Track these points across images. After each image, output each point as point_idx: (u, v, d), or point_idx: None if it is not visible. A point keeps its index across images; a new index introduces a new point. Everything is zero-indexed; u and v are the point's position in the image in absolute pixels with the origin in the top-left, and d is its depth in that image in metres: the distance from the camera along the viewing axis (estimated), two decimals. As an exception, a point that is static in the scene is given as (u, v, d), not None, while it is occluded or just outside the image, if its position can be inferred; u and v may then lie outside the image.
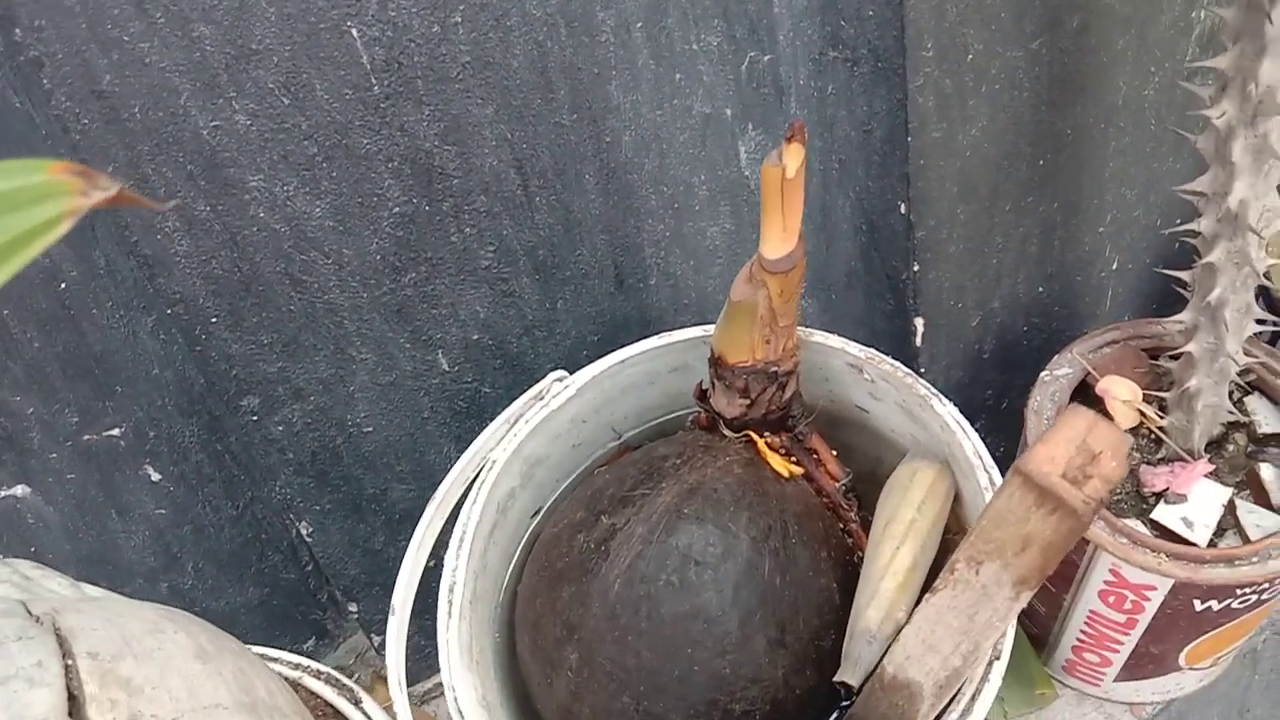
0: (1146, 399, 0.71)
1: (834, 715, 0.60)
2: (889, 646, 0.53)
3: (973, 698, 0.51)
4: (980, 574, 0.42)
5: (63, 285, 0.61)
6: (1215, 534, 0.66)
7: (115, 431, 0.68)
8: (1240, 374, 0.69)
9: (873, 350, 0.64)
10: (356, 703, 0.57)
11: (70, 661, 0.42)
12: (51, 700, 0.39)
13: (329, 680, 0.59)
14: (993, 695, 0.51)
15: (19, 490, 0.67)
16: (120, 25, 0.50)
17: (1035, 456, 0.39)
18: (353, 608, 0.80)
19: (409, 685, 0.87)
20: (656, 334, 0.67)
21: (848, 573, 0.62)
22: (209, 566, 0.78)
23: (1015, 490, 0.39)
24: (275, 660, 0.60)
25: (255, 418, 0.66)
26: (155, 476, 0.71)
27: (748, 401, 0.62)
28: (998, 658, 0.51)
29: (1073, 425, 0.39)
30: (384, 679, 0.84)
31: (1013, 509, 0.39)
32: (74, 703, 0.40)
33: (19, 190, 0.21)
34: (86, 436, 0.67)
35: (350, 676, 0.91)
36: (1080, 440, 0.39)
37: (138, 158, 0.54)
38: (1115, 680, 0.76)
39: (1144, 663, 0.72)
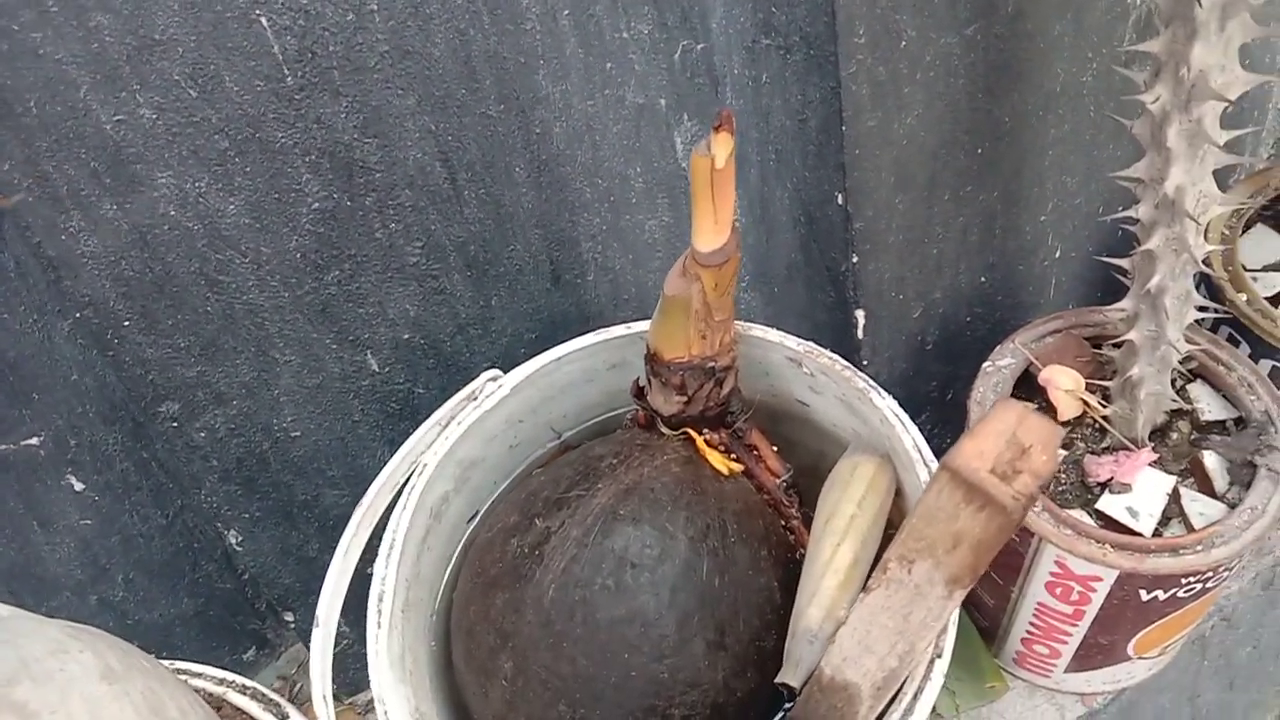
0: (1090, 388, 0.70)
1: (777, 718, 0.59)
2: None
3: (914, 697, 0.50)
4: (913, 573, 0.41)
5: (-31, 289, 0.58)
6: (1160, 523, 0.66)
7: (34, 440, 0.65)
8: (1183, 361, 0.69)
9: (812, 344, 0.63)
10: (284, 718, 0.55)
11: (-41, 688, 0.39)
12: (-66, 731, 0.37)
13: (255, 695, 0.57)
14: (934, 695, 0.50)
15: (-68, 503, 0.64)
16: (9, 14, 0.47)
17: (963, 452, 0.37)
18: (289, 617, 0.78)
19: (354, 695, 0.86)
20: (594, 330, 0.66)
21: (789, 571, 0.60)
22: (140, 577, 0.75)
23: (944, 487, 0.38)
24: (199, 676, 0.58)
25: (176, 424, 0.63)
26: (79, 486, 0.69)
27: (685, 398, 0.60)
28: (939, 656, 0.50)
29: (1002, 418, 0.38)
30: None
31: (942, 506, 0.38)
32: (-39, 732, 0.38)
33: None
34: (3, 446, 0.64)
35: (294, 686, 0.89)
36: (1010, 434, 0.38)
37: (36, 154, 0.51)
38: (1065, 671, 0.75)
39: (1093, 653, 0.72)
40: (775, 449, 0.65)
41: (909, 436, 0.58)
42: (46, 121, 0.51)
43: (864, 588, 0.44)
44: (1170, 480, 0.67)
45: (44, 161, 0.52)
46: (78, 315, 0.59)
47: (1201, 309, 0.64)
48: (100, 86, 0.51)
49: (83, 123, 0.51)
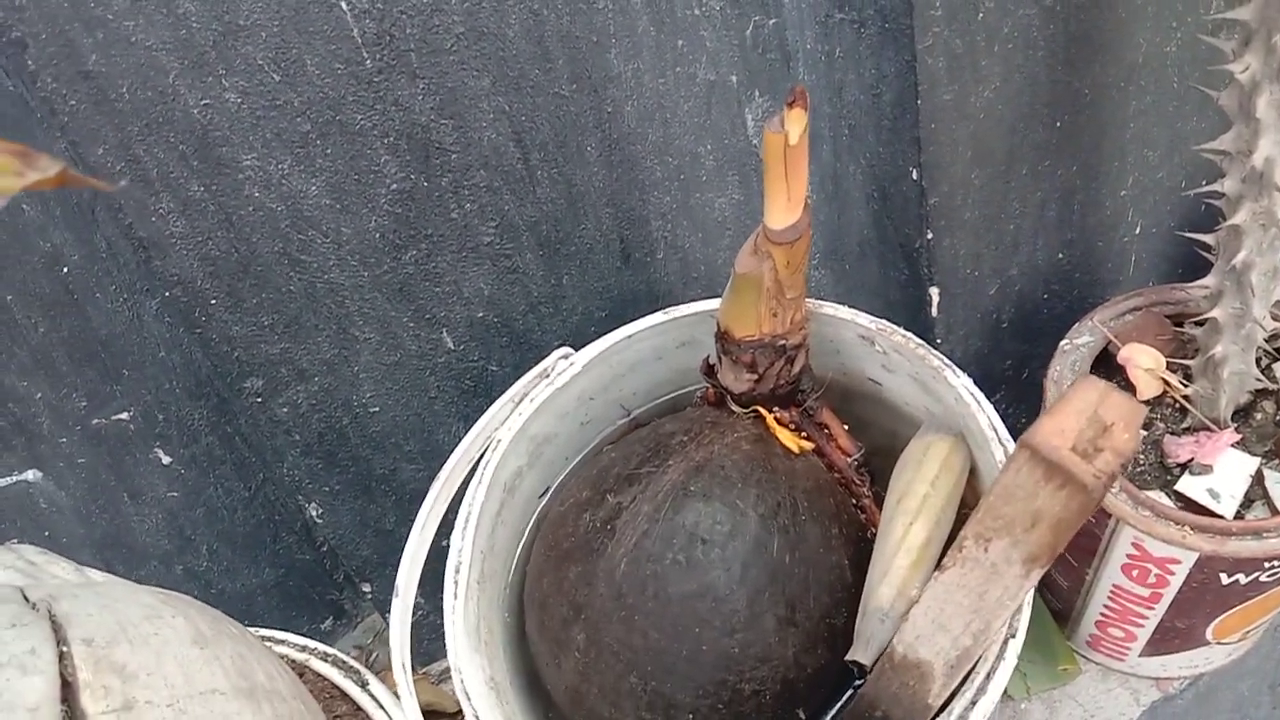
0: (1170, 367, 0.68)
1: (846, 694, 0.59)
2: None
3: (988, 676, 0.49)
4: (989, 551, 0.41)
5: (65, 270, 0.60)
6: (1242, 505, 0.64)
7: (124, 415, 0.68)
8: (1268, 339, 0.67)
9: (885, 321, 0.62)
10: (363, 685, 0.57)
11: (65, 648, 0.41)
12: (44, 688, 0.39)
13: (335, 663, 0.58)
14: (1008, 674, 0.50)
15: (30, 475, 0.67)
16: (103, 3, 0.49)
17: (1043, 429, 0.37)
18: (366, 588, 0.80)
19: (428, 665, 0.88)
20: (664, 309, 0.66)
21: (860, 550, 0.60)
22: (224, 548, 0.78)
23: (1023, 465, 0.37)
24: (282, 643, 0.60)
25: (260, 399, 0.65)
26: (166, 459, 0.71)
27: (755, 376, 0.60)
28: (1013, 636, 0.50)
29: (1083, 396, 0.38)
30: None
31: (1020, 484, 0.38)
32: (68, 689, 0.40)
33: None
34: (95, 420, 0.67)
35: (369, 656, 0.92)
36: (1091, 411, 0.37)
37: (128, 138, 0.53)
38: (1141, 655, 0.74)
39: (1170, 637, 0.71)
40: (846, 427, 0.64)
41: (984, 415, 0.58)
42: (138, 106, 0.52)
43: (938, 565, 0.43)
44: (1254, 461, 0.65)
45: (135, 145, 0.53)
46: (166, 294, 0.61)
47: (1290, 286, 0.62)
48: (188, 72, 0.52)
49: (172, 107, 0.53)
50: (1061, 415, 0.37)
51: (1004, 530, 0.39)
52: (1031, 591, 0.50)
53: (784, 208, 0.55)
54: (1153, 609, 0.68)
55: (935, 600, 0.44)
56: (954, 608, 0.43)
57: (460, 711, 0.54)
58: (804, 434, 0.63)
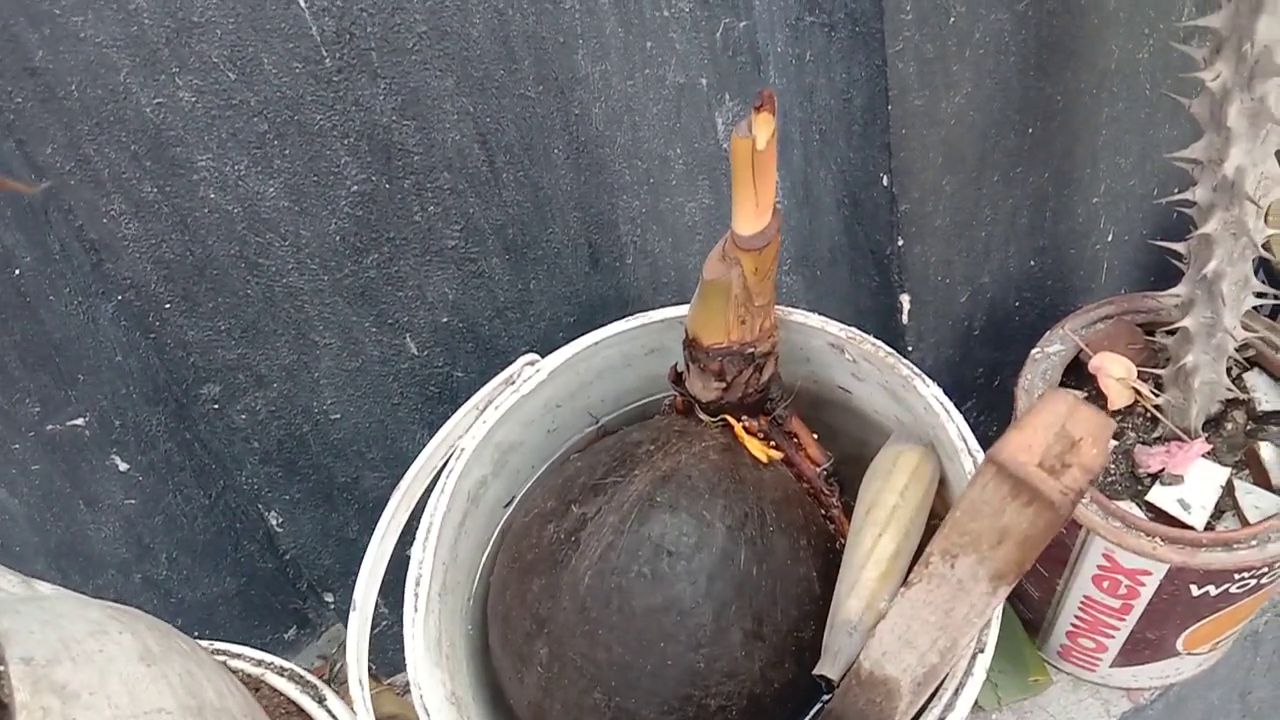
0: (1142, 376, 0.68)
1: (814, 709, 0.58)
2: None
3: (955, 692, 0.49)
4: (956, 568, 0.40)
5: (17, 272, 0.59)
6: (1213, 516, 0.64)
7: (79, 421, 0.66)
8: (1239, 349, 0.67)
9: (854, 329, 0.62)
10: (320, 700, 0.56)
11: (2, 667, 0.40)
12: (-24, 710, 0.37)
13: (292, 677, 0.57)
14: (976, 690, 0.49)
15: (-18, 482, 0.65)
16: (50, -2, 0.47)
17: (1010, 444, 0.36)
18: (329, 598, 0.79)
19: (393, 675, 0.86)
20: (633, 315, 0.65)
21: (829, 561, 0.59)
22: (184, 557, 0.76)
23: (989, 481, 0.36)
24: (238, 657, 0.58)
25: (217, 406, 0.64)
26: (123, 466, 0.69)
27: (724, 385, 0.59)
28: (981, 650, 0.49)
29: (1052, 410, 0.37)
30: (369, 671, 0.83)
31: (987, 500, 0.37)
32: (3, 711, 0.38)
33: None
34: (50, 426, 0.65)
35: (334, 665, 0.90)
36: (1059, 426, 0.37)
37: (77, 138, 0.51)
38: (1111, 666, 0.74)
39: (1140, 648, 0.70)
40: (816, 437, 0.64)
41: (953, 425, 0.57)
42: (88, 105, 0.51)
43: (905, 581, 0.43)
44: (1224, 472, 0.65)
45: (85, 145, 0.52)
46: (120, 298, 0.59)
47: (1260, 295, 0.62)
48: (140, 69, 0.51)
49: (123, 106, 0.52)
50: (1029, 430, 0.36)
51: (970, 546, 0.38)
52: (1000, 606, 0.49)
53: (752, 213, 0.54)
54: (1123, 620, 0.67)
55: (902, 617, 0.43)
56: (920, 624, 0.43)
57: (424, 725, 0.53)
58: (773, 443, 0.62)
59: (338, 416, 0.68)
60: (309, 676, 0.57)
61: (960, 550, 0.39)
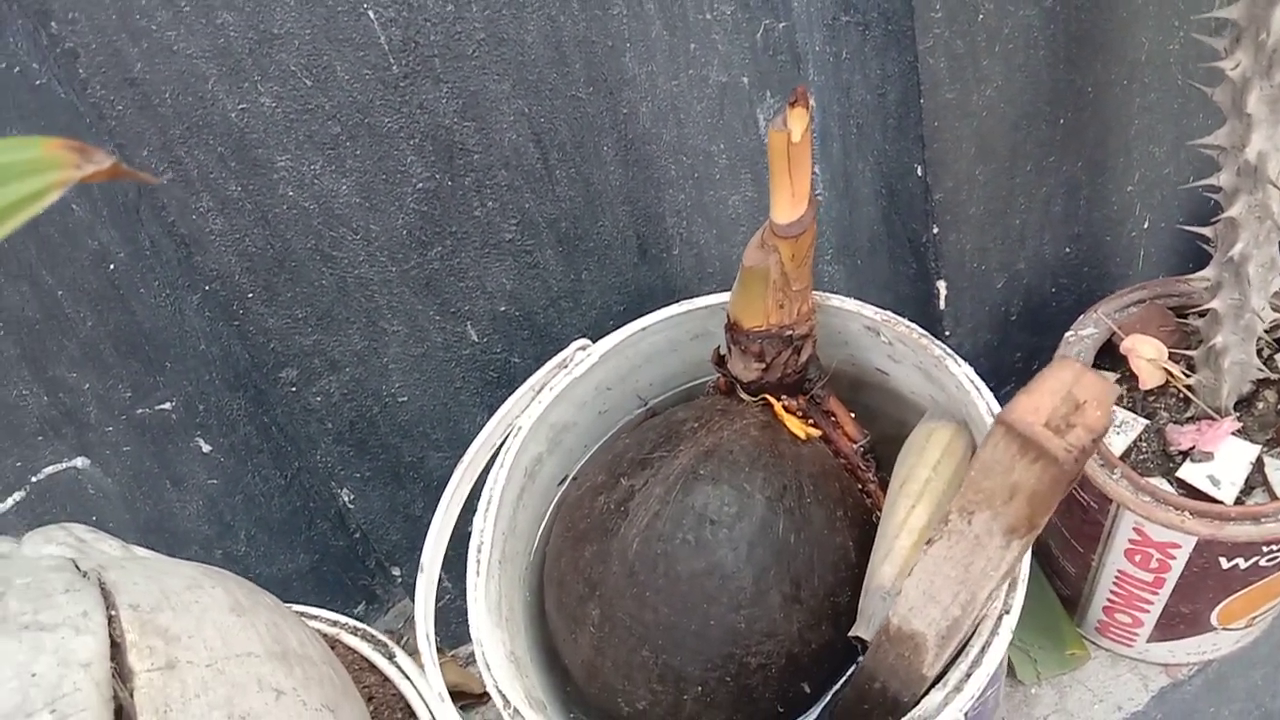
0: (1173, 358, 0.70)
1: (850, 669, 0.62)
2: (899, 601, 0.54)
3: (982, 649, 0.52)
4: (972, 524, 0.43)
5: (111, 266, 0.64)
6: (1243, 492, 0.66)
7: (166, 405, 0.71)
8: (1269, 330, 0.68)
9: (889, 312, 0.65)
10: (390, 657, 0.60)
11: (113, 612, 0.45)
12: (95, 646, 0.42)
13: (364, 636, 0.61)
14: (1003, 649, 0.52)
15: (79, 462, 0.70)
16: (148, 15, 0.52)
17: (1018, 406, 0.39)
18: (396, 572, 0.84)
19: (455, 648, 0.91)
20: (680, 302, 0.69)
21: (865, 532, 0.63)
22: (261, 534, 0.81)
23: (1000, 440, 0.39)
24: (314, 618, 0.63)
25: (294, 389, 0.69)
26: (206, 448, 0.75)
27: (763, 365, 0.63)
28: (1008, 612, 0.52)
29: (1058, 376, 0.40)
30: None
31: (998, 458, 0.40)
32: (116, 649, 0.43)
33: (15, 163, 0.24)
34: (140, 410, 0.70)
35: (400, 640, 0.94)
36: (1065, 391, 0.40)
37: (170, 141, 0.57)
38: (1148, 641, 0.75)
39: (1176, 623, 0.72)
40: (852, 415, 0.67)
41: (983, 402, 0.60)
42: (179, 111, 0.56)
43: (927, 540, 0.46)
44: (1254, 449, 0.67)
45: (177, 148, 0.57)
46: (206, 289, 0.64)
47: (1289, 277, 0.64)
48: (226, 78, 0.56)
49: (211, 112, 0.57)
50: (1037, 393, 0.39)
51: (985, 503, 0.41)
52: (1026, 567, 0.52)
53: (789, 203, 0.57)
54: (1157, 594, 0.69)
55: (925, 573, 0.46)
56: (942, 579, 0.46)
57: (486, 693, 0.57)
58: (811, 421, 0.65)
59: (405, 399, 0.73)
60: (380, 635, 0.62)
61: (976, 507, 0.42)
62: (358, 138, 0.60)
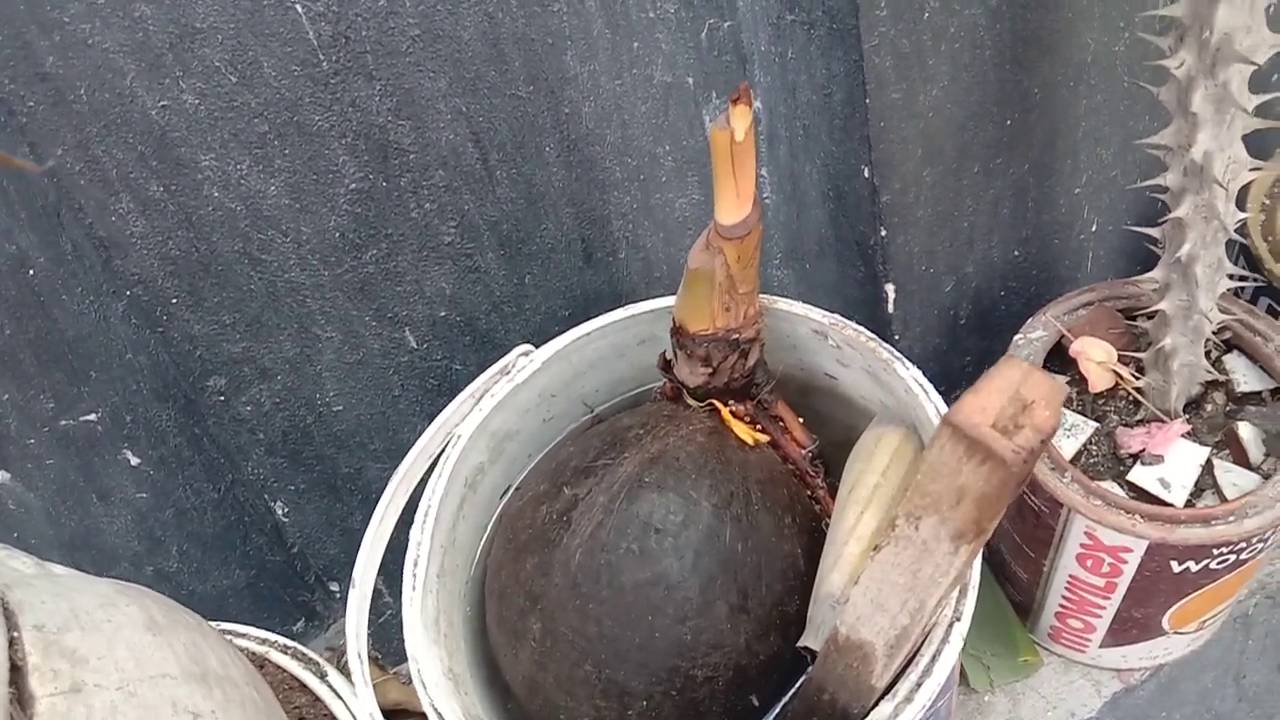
0: (1123, 360, 0.70)
1: (800, 681, 0.60)
2: (847, 610, 0.52)
3: (933, 659, 0.50)
4: (920, 529, 0.41)
5: (31, 272, 0.61)
6: (1193, 494, 0.65)
7: (92, 417, 0.68)
8: (1217, 332, 0.68)
9: (837, 316, 0.63)
10: (322, 676, 0.58)
11: (15, 634, 0.42)
12: (-7, 671, 0.39)
13: (295, 655, 0.59)
14: (954, 657, 0.50)
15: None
16: (59, 6, 0.50)
17: (965, 407, 0.38)
18: (334, 587, 0.81)
19: (398, 664, 0.88)
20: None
21: (814, 539, 0.61)
22: (194, 550, 0.78)
23: (946, 442, 0.38)
24: (242, 635, 0.60)
25: (223, 398, 0.66)
26: (134, 461, 0.72)
27: (710, 370, 0.61)
28: (958, 619, 0.51)
29: (1005, 375, 0.39)
30: (374, 659, 0.84)
31: (945, 461, 0.39)
32: (16, 673, 0.40)
33: None
34: (63, 422, 0.67)
35: (341, 656, 0.92)
36: (1013, 390, 0.38)
37: (86, 139, 0.54)
38: (1101, 646, 0.75)
39: (1128, 627, 0.72)
40: (801, 420, 0.65)
41: (932, 405, 0.59)
42: (96, 108, 0.53)
43: (875, 547, 0.44)
44: (1204, 452, 0.67)
45: (94, 146, 0.54)
46: (129, 294, 0.62)
47: (1240, 278, 0.63)
48: (145, 74, 0.53)
49: (129, 109, 0.54)
50: (984, 394, 0.38)
51: (932, 508, 0.40)
52: (976, 577, 0.51)
53: (733, 203, 0.56)
54: (1109, 599, 0.69)
55: (873, 580, 0.45)
56: (890, 587, 0.44)
57: (427, 710, 0.55)
58: (758, 426, 0.64)
59: (340, 408, 0.70)
60: (310, 654, 0.59)
61: (923, 512, 0.41)
62: (286, 136, 0.58)
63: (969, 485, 0.38)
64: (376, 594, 0.63)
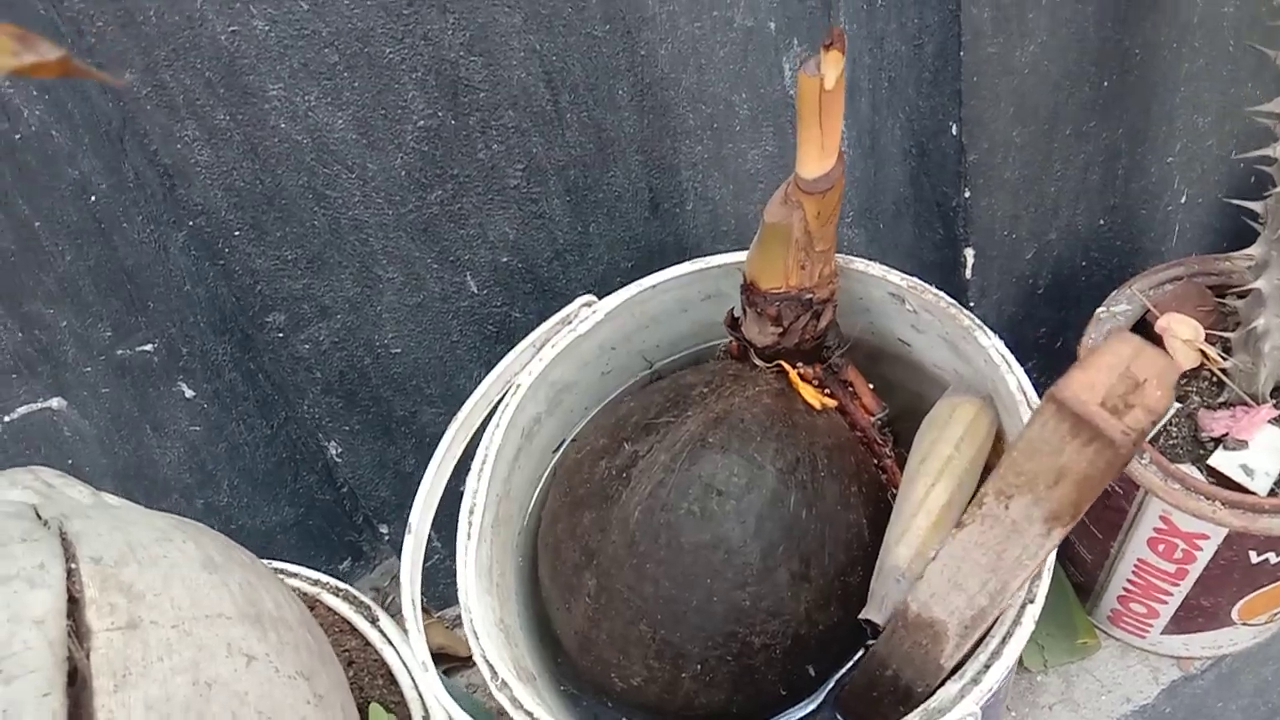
0: (1210, 339, 0.67)
1: (859, 653, 0.59)
2: (916, 585, 0.50)
3: (1003, 640, 0.49)
4: (1010, 508, 0.39)
5: (93, 198, 0.60)
6: (1277, 483, 0.63)
7: (148, 347, 0.68)
8: (1314, 314, 0.65)
9: (916, 279, 0.61)
10: (373, 621, 0.57)
11: (73, 565, 0.41)
12: (50, 601, 0.39)
13: (346, 597, 0.58)
14: (1024, 640, 0.49)
15: (54, 403, 0.67)
16: (130, -77, 0.48)
17: (1072, 382, 0.36)
18: (384, 529, 0.81)
19: (443, 609, 0.88)
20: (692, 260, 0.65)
21: (879, 509, 0.59)
22: (244, 485, 0.78)
23: (1049, 419, 0.36)
24: (294, 576, 0.60)
25: (281, 335, 0.65)
26: (189, 393, 0.71)
27: (780, 330, 0.59)
28: (1031, 601, 0.49)
29: (1116, 351, 0.36)
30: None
31: (1046, 439, 0.36)
32: (74, 605, 0.40)
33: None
34: (120, 351, 0.67)
35: (386, 598, 0.92)
36: (1123, 367, 0.36)
37: (154, 63, 0.52)
38: (1162, 632, 0.73)
39: (1194, 616, 0.69)
40: (871, 387, 0.63)
41: (1014, 378, 0.56)
42: (165, 31, 0.52)
43: (957, 523, 0.42)
44: (1292, 439, 0.64)
45: (162, 70, 0.53)
46: (191, 225, 0.60)
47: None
48: (216, -4, 0.52)
49: (199, 32, 0.52)
50: (1092, 369, 0.36)
51: (1026, 487, 0.38)
52: (1052, 559, 0.49)
53: (817, 156, 0.54)
54: (1178, 585, 0.66)
55: (952, 558, 0.43)
56: (971, 566, 0.42)
57: (472, 655, 0.54)
58: (827, 391, 0.62)
59: (398, 351, 0.69)
60: (362, 597, 0.59)
61: (1016, 490, 0.38)
62: (356, 68, 0.56)
63: (1071, 466, 0.36)
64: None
